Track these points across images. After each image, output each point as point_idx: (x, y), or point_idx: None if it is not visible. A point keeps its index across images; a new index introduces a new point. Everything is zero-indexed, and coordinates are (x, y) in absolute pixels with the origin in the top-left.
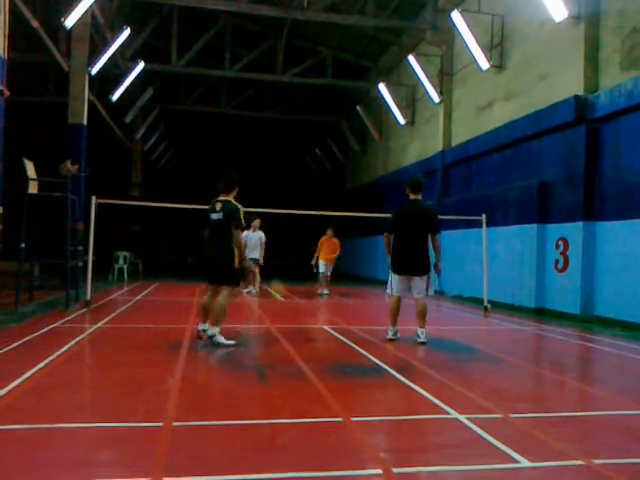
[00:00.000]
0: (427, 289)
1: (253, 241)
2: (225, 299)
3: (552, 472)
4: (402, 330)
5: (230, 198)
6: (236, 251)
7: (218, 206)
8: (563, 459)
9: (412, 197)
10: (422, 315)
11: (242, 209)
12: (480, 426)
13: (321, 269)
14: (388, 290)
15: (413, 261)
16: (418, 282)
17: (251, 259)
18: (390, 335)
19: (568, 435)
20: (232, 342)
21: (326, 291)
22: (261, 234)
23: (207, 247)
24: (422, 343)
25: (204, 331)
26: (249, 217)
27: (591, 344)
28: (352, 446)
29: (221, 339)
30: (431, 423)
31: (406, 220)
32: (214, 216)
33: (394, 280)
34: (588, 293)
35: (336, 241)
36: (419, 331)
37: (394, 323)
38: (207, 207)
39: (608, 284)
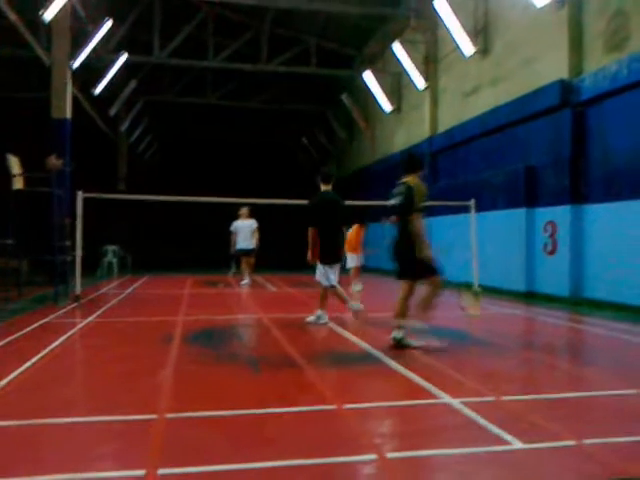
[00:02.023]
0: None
1: (245, 229)
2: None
3: (544, 453)
4: (384, 317)
5: (410, 179)
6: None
7: (397, 190)
8: (555, 440)
9: (323, 188)
10: (324, 298)
11: (419, 187)
12: (472, 409)
13: (350, 263)
14: (325, 282)
15: (338, 250)
16: (337, 268)
17: (242, 249)
18: (355, 306)
19: (559, 416)
20: (423, 343)
21: (358, 286)
22: (252, 222)
23: (395, 236)
24: (325, 324)
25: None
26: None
27: (581, 326)
28: (346, 433)
29: (411, 340)
30: (424, 408)
31: (327, 211)
32: (393, 201)
33: (330, 270)
34: (577, 275)
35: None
36: (321, 312)
37: (347, 301)
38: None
39: (596, 266)
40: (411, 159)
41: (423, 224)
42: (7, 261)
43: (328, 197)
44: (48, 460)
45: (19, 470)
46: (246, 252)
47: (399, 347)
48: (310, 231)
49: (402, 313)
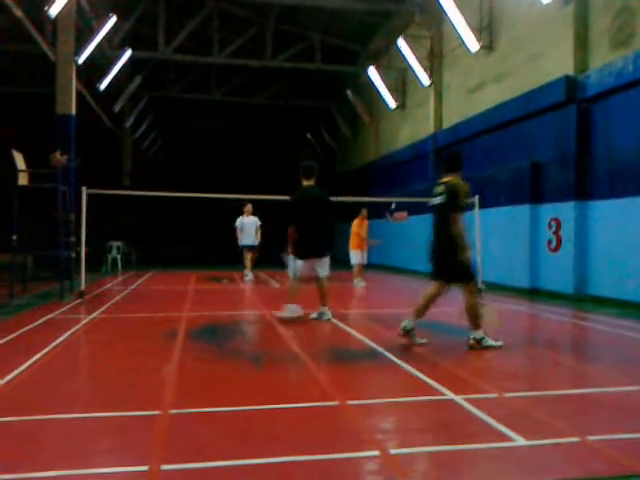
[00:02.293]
0: (327, 268)
1: (249, 226)
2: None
3: (547, 450)
4: (387, 313)
5: (451, 178)
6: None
7: (439, 189)
8: (558, 436)
9: (305, 183)
10: (325, 294)
11: (462, 187)
12: (476, 406)
13: (354, 260)
14: (291, 273)
15: (315, 245)
16: (320, 262)
17: (247, 245)
18: (293, 314)
19: (563, 413)
20: (500, 343)
21: (362, 282)
22: (256, 219)
23: (433, 237)
24: (328, 320)
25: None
26: (242, 203)
27: (585, 323)
28: (349, 429)
29: (490, 341)
30: (427, 404)
31: (305, 207)
32: (434, 201)
33: (298, 265)
34: (581, 272)
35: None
36: (324, 309)
37: (295, 301)
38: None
39: (601, 263)
40: (452, 158)
41: (464, 225)
42: (12, 257)
43: (310, 193)
44: (51, 455)
45: (23, 465)
46: (250, 248)
47: (406, 336)
48: (290, 229)
49: (419, 312)
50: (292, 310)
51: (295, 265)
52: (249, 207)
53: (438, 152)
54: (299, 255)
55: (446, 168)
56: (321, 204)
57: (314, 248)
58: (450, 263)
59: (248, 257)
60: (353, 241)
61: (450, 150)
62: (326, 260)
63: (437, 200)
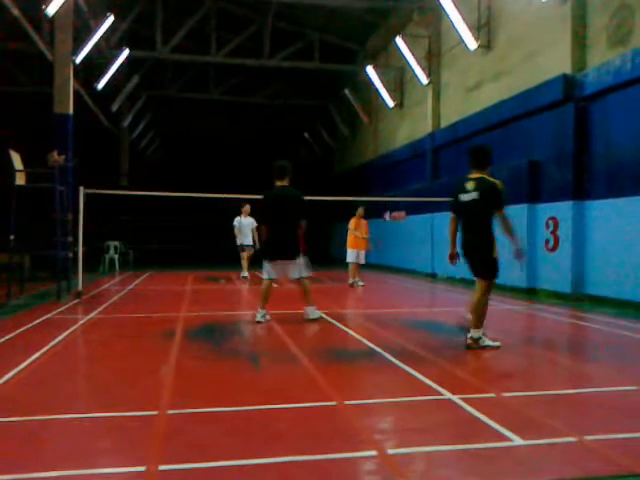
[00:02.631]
0: (304, 269)
1: (246, 226)
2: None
3: (545, 449)
4: (384, 313)
5: (483, 175)
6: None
7: (470, 186)
8: (555, 436)
9: (279, 183)
10: (307, 293)
11: (501, 184)
12: (473, 406)
13: (349, 258)
14: (265, 275)
15: (284, 247)
16: (293, 265)
17: (244, 245)
18: (259, 317)
19: (560, 412)
20: (498, 343)
21: (360, 282)
22: (252, 220)
23: (464, 234)
24: (311, 320)
25: (472, 338)
26: (241, 203)
27: (582, 322)
28: (346, 429)
29: (487, 341)
30: (425, 404)
31: (275, 207)
32: (465, 197)
33: (268, 266)
34: (578, 272)
35: (365, 222)
36: (308, 310)
37: (264, 306)
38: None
39: (598, 262)
40: (483, 153)
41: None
42: (10, 257)
43: (282, 193)
44: (49, 456)
45: (22, 466)
46: (247, 247)
47: (474, 347)
48: (262, 229)
49: (480, 313)
50: (259, 317)
51: (266, 266)
52: (247, 208)
53: (436, 151)
54: (266, 256)
55: (476, 163)
56: (293, 204)
57: (282, 250)
58: (489, 260)
59: (245, 256)
60: (349, 240)
61: (480, 145)
62: (299, 262)
63: (469, 197)
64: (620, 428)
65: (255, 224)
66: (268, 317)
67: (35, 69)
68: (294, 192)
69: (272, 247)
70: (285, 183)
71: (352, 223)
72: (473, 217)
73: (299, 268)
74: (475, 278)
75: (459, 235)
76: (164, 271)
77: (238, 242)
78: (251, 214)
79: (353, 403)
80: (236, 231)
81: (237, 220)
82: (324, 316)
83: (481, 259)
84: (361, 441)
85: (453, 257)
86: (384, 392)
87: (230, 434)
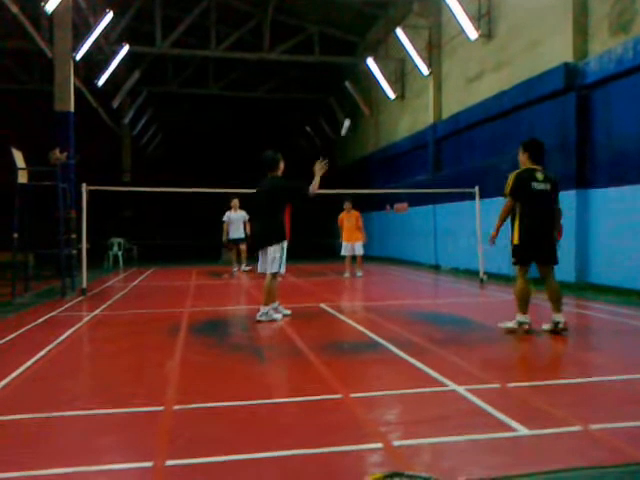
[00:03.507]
0: (279, 265)
1: (236, 221)
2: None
3: (550, 439)
4: (387, 305)
5: (542, 168)
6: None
7: (540, 176)
8: (561, 426)
9: (269, 175)
10: (265, 291)
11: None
12: (479, 396)
13: (343, 251)
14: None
15: (260, 237)
16: (269, 257)
17: (236, 239)
18: (274, 315)
19: (565, 402)
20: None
21: (359, 273)
22: (243, 213)
23: (534, 220)
24: (259, 322)
25: (556, 324)
26: (230, 197)
27: (586, 311)
28: (352, 422)
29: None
30: (430, 396)
31: (257, 198)
32: (539, 186)
33: (260, 260)
34: (582, 261)
35: (356, 214)
36: (261, 309)
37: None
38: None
39: (602, 251)
40: (542, 147)
41: None
42: (13, 255)
43: (267, 183)
44: (56, 452)
45: (27, 463)
46: (239, 241)
47: (561, 330)
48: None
49: (558, 297)
50: (265, 313)
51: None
52: (236, 202)
53: (438, 142)
54: (251, 249)
55: (540, 157)
56: (277, 194)
57: (259, 240)
58: (553, 245)
59: (234, 251)
60: (342, 234)
61: (537, 139)
62: (274, 254)
63: (543, 186)
64: (626, 417)
65: (247, 217)
66: (282, 313)
67: (35, 67)
68: (282, 181)
69: (252, 238)
70: (276, 174)
71: (341, 219)
72: (547, 206)
73: (271, 262)
74: (541, 266)
75: (525, 222)
76: (168, 267)
77: (224, 238)
78: (241, 207)
79: (358, 395)
80: (225, 226)
81: (227, 215)
82: (328, 309)
83: (552, 245)
84: (367, 433)
85: (494, 239)
86: (389, 384)
87: (236, 428)
